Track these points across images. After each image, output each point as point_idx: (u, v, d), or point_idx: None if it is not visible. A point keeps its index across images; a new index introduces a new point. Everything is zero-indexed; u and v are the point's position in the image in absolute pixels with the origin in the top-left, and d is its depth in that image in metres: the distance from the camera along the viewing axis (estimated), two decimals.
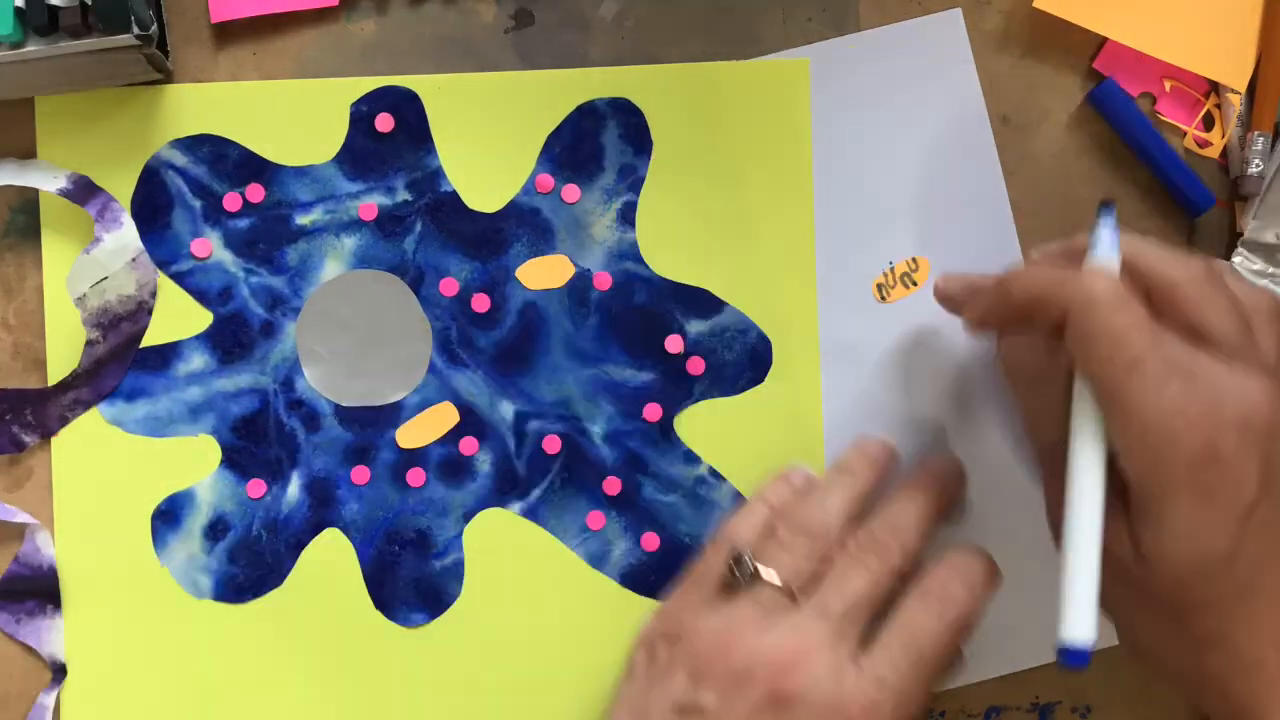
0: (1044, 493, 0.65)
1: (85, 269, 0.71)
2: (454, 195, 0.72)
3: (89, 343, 0.71)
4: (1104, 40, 0.74)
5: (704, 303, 0.72)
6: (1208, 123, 0.75)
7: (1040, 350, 0.64)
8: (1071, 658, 0.58)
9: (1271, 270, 0.74)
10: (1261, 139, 0.74)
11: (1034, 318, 0.60)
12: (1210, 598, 0.58)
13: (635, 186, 0.72)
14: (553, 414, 0.72)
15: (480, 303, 0.72)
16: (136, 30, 0.66)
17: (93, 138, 0.72)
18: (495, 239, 0.72)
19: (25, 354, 0.72)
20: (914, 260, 0.74)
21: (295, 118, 0.72)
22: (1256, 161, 0.74)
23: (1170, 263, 0.60)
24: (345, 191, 0.72)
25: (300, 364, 0.72)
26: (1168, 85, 0.75)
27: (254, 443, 0.72)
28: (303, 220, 0.72)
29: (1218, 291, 0.59)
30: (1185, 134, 0.75)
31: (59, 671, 0.72)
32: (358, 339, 0.72)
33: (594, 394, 0.72)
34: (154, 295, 0.72)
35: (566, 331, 0.72)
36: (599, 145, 0.72)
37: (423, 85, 0.72)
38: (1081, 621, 0.58)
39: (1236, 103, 0.74)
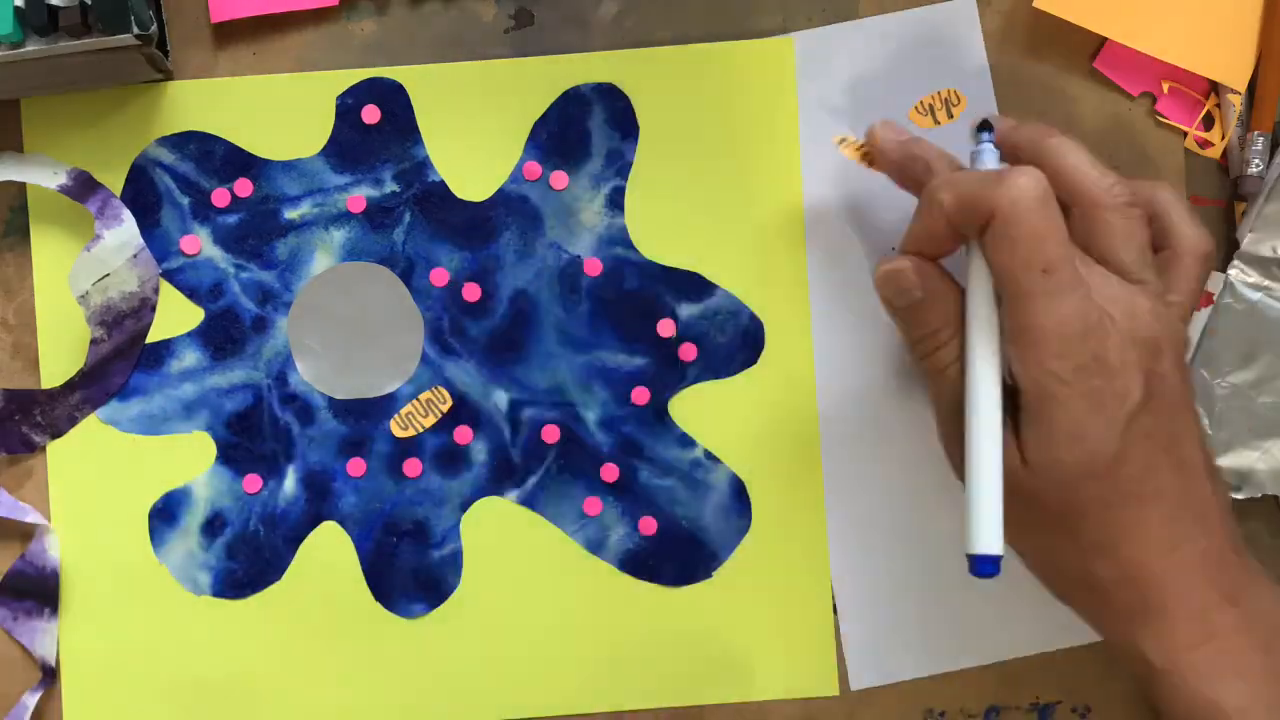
0: (933, 414, 0.66)
1: (87, 266, 0.71)
2: (442, 185, 0.72)
3: (94, 341, 0.71)
4: (1104, 40, 0.74)
5: (695, 286, 0.72)
6: (1207, 123, 0.75)
7: (915, 275, 0.65)
8: (982, 566, 0.60)
9: (1267, 284, 0.74)
10: (1261, 139, 0.74)
11: (960, 223, 0.62)
12: (1097, 503, 0.60)
13: (623, 171, 0.72)
14: (547, 401, 0.72)
15: (471, 292, 0.72)
16: (136, 30, 0.66)
17: (79, 138, 0.72)
18: (484, 228, 0.72)
19: (25, 353, 0.72)
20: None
21: (281, 112, 0.72)
22: (1256, 161, 0.74)
23: (1096, 183, 0.62)
24: (333, 184, 0.72)
25: (293, 358, 0.72)
26: (1166, 86, 0.74)
27: (249, 438, 0.72)
28: (291, 214, 0.72)
29: (1134, 226, 0.62)
30: (1185, 134, 0.74)
31: (47, 674, 0.72)
32: (349, 332, 0.72)
33: (588, 380, 0.72)
34: (156, 291, 0.72)
35: (558, 318, 0.72)
36: (586, 131, 0.72)
37: (408, 76, 0.72)
38: (988, 532, 0.60)
39: (1237, 103, 0.74)
